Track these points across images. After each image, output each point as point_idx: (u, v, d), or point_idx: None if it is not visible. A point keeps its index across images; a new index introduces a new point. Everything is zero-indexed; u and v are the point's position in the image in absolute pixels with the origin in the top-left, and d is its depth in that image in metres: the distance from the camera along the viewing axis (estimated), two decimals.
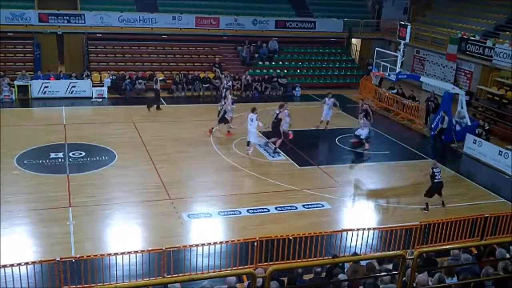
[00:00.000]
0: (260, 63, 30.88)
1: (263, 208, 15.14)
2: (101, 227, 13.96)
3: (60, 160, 17.94)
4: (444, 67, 29.90)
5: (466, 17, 31.49)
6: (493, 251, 9.67)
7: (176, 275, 11.02)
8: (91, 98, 25.96)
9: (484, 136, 20.32)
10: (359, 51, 34.90)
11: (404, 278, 6.06)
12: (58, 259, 10.49)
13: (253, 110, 19.12)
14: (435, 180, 15.35)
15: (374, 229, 13.54)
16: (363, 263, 9.92)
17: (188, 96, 27.60)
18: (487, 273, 8.09)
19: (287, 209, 15.23)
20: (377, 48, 24.99)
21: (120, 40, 29.80)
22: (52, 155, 18.22)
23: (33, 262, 10.86)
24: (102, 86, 26.73)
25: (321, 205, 15.62)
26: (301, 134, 21.90)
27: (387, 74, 23.20)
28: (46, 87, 25.68)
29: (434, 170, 15.34)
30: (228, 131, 21.12)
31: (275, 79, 29.15)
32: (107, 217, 14.44)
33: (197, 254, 11.87)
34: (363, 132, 20.45)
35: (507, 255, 9.10)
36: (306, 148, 20.39)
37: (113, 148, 19.06)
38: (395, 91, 26.77)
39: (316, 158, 19.34)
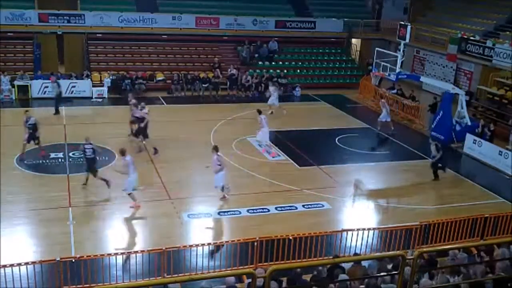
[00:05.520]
0: (260, 63, 30.89)
1: (263, 208, 15.14)
2: (101, 227, 13.97)
3: (60, 160, 17.94)
4: (444, 67, 29.88)
5: (466, 17, 31.47)
6: (492, 251, 9.68)
7: (176, 275, 11.02)
8: (91, 98, 25.96)
9: (488, 137, 20.26)
10: (359, 51, 34.88)
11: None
12: (58, 259, 10.50)
13: (216, 149, 15.56)
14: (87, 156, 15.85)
15: (374, 229, 13.55)
16: (364, 263, 9.94)
17: (188, 96, 27.62)
18: (486, 273, 8.10)
19: (287, 209, 15.23)
20: (377, 48, 24.97)
21: (120, 40, 29.79)
22: (52, 155, 18.22)
23: (33, 262, 10.87)
24: (102, 86, 26.73)
25: (321, 205, 15.62)
26: (301, 134, 21.94)
27: (387, 74, 23.20)
28: (46, 87, 25.65)
29: (85, 146, 15.80)
30: (43, 150, 18.19)
31: (275, 79, 29.15)
32: (107, 217, 14.45)
33: (197, 254, 11.87)
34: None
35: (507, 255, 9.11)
36: (306, 148, 20.38)
37: (113, 148, 19.05)
38: (394, 91, 26.76)
39: (316, 158, 19.33)
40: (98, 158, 16.33)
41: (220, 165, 15.16)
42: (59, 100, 23.65)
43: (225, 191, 15.53)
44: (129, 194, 14.67)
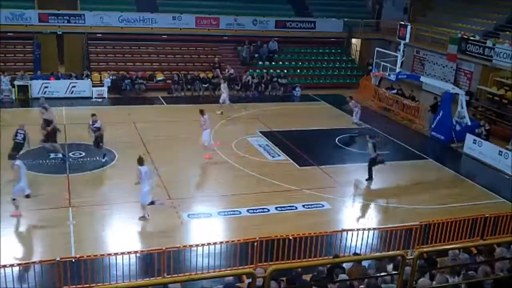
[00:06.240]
0: (260, 63, 30.89)
1: (263, 208, 15.14)
2: (101, 227, 13.95)
3: (60, 160, 17.91)
4: (444, 67, 29.88)
5: (466, 17, 31.47)
6: (493, 251, 9.67)
7: (176, 275, 11.02)
8: (91, 98, 25.96)
9: (484, 136, 20.32)
10: (359, 51, 34.88)
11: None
12: (58, 259, 10.49)
13: (141, 161, 14.04)
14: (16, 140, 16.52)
15: (374, 229, 13.55)
16: (364, 263, 9.93)
17: (187, 96, 27.61)
18: (485, 273, 8.10)
19: (287, 209, 15.24)
20: (377, 48, 24.98)
21: (120, 40, 29.79)
22: (52, 155, 18.20)
23: (33, 262, 10.87)
24: (102, 86, 26.74)
25: (321, 205, 15.62)
26: (301, 134, 21.94)
27: (387, 74, 23.21)
28: (46, 87, 25.68)
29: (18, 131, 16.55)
30: None
31: (275, 79, 29.15)
32: (107, 217, 14.45)
33: (197, 254, 11.87)
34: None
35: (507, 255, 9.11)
36: (306, 148, 20.38)
37: (112, 148, 19.04)
38: (394, 91, 26.75)
39: (316, 158, 19.33)
40: (25, 145, 16.82)
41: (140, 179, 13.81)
42: None
43: (158, 205, 14.24)
44: (25, 197, 14.04)
